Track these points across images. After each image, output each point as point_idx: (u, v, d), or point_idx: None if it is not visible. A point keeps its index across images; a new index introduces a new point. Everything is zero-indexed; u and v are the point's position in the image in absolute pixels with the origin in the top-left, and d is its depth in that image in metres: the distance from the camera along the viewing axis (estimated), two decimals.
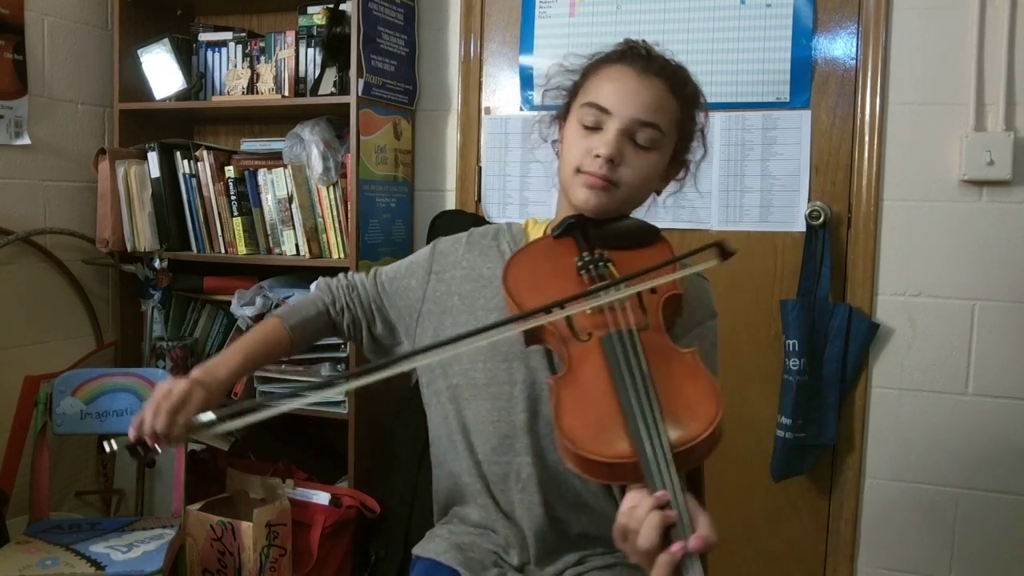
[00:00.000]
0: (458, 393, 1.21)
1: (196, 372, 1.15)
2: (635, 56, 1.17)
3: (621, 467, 0.91)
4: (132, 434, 1.11)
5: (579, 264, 1.12)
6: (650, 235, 1.19)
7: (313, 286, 1.35)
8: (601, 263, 1.12)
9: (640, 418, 0.91)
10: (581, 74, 1.21)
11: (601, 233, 1.16)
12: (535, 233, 1.27)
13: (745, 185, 2.18)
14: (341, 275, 1.36)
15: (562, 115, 1.23)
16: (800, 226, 2.12)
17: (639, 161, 1.14)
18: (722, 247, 1.07)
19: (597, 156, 1.12)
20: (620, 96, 1.13)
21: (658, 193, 1.24)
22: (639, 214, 1.23)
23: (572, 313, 1.04)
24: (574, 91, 1.21)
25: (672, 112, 1.16)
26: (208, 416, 1.09)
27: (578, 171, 1.15)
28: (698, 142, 1.24)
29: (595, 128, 1.14)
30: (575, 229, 1.17)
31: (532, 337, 1.10)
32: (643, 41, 1.21)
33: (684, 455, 0.90)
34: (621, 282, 1.06)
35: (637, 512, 0.85)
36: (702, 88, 1.22)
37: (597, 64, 1.19)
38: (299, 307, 1.30)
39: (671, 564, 0.82)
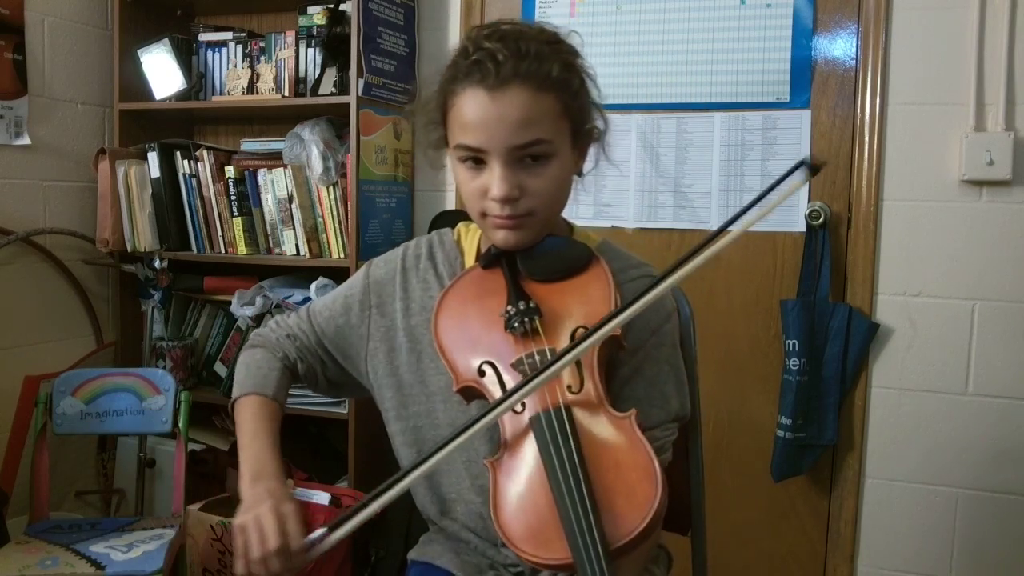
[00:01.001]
0: (420, 435, 1.16)
1: (258, 486, 1.02)
2: (483, 71, 1.00)
3: (559, 567, 0.89)
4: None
5: (506, 317, 1.03)
6: (581, 259, 1.08)
7: (245, 348, 1.22)
8: (527, 318, 1.02)
9: (574, 521, 0.86)
10: (439, 102, 1.08)
11: (529, 264, 1.08)
12: (470, 245, 1.20)
13: (745, 185, 2.18)
14: (272, 323, 1.24)
15: (442, 144, 1.11)
16: (800, 226, 2.12)
17: (540, 180, 1.03)
18: (811, 164, 0.97)
19: (493, 199, 1.02)
20: (485, 129, 1.00)
21: (579, 176, 1.14)
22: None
23: (511, 402, 0.96)
24: (440, 120, 1.09)
25: (549, 109, 1.02)
26: (318, 533, 0.97)
27: (484, 215, 1.06)
28: (596, 111, 1.12)
29: (478, 162, 1.03)
30: (501, 259, 1.09)
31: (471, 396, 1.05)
32: (490, 33, 1.04)
33: (622, 550, 0.88)
34: (554, 364, 0.95)
35: None
36: (569, 42, 1.08)
37: (450, 88, 1.05)
38: (263, 373, 1.17)
39: None
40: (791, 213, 2.14)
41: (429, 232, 1.30)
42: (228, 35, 2.54)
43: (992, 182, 1.98)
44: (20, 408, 2.18)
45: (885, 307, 2.08)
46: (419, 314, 1.16)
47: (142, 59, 2.46)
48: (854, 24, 2.08)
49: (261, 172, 2.35)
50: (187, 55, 2.54)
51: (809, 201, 2.11)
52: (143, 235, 2.41)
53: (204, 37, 2.56)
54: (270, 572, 0.95)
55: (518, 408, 0.98)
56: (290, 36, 2.41)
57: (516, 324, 1.03)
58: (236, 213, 2.36)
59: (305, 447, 2.45)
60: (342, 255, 2.27)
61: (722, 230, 1.00)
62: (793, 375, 2.04)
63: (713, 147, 2.19)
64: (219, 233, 2.40)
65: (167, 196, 2.42)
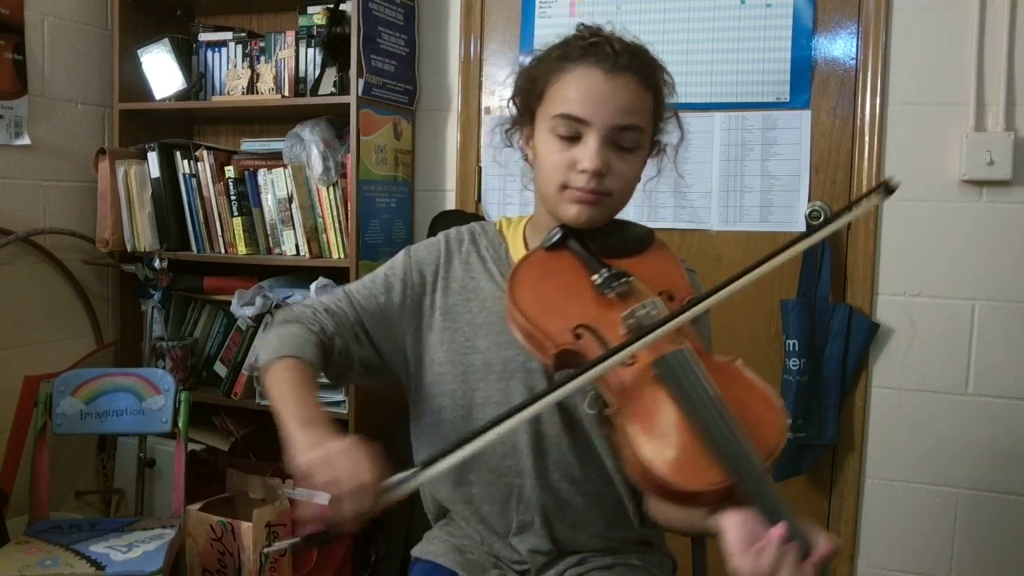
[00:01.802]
0: (458, 407, 1.17)
1: (315, 430, 0.98)
2: (600, 54, 1.08)
3: (714, 494, 0.90)
4: (313, 527, 0.93)
5: (598, 282, 1.07)
6: (645, 238, 1.16)
7: (276, 324, 1.17)
8: (623, 278, 1.06)
9: (728, 443, 0.89)
10: (541, 76, 1.12)
11: (598, 243, 1.12)
12: (514, 236, 1.22)
13: (745, 185, 2.18)
14: (304, 303, 1.21)
15: (526, 121, 1.16)
16: (800, 226, 2.12)
17: (624, 166, 1.09)
18: (887, 185, 1.05)
19: (583, 171, 1.07)
20: (594, 103, 1.06)
21: (638, 180, 1.19)
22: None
23: (635, 350, 0.97)
24: (537, 94, 1.12)
25: (648, 106, 1.11)
26: (406, 473, 0.93)
27: (564, 187, 1.09)
28: (673, 124, 1.19)
29: (572, 138, 1.08)
30: (568, 240, 1.12)
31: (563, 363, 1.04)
32: (600, 29, 1.12)
33: (772, 467, 0.92)
34: (672, 319, 0.99)
35: (767, 555, 0.84)
36: (664, 65, 1.15)
37: (558, 64, 1.10)
38: (300, 341, 1.11)
39: (812, 571, 0.84)
40: (791, 213, 2.14)
41: (429, 232, 1.31)
42: (228, 35, 2.53)
43: (992, 182, 1.98)
44: (20, 408, 2.18)
45: (885, 307, 2.08)
46: (458, 293, 1.18)
47: (142, 59, 2.46)
48: (854, 24, 2.08)
49: (261, 172, 2.35)
50: (187, 55, 2.54)
51: (809, 201, 2.11)
52: (143, 235, 2.41)
53: (204, 37, 2.56)
54: (352, 511, 0.89)
55: (628, 360, 0.99)
56: (290, 36, 2.41)
57: (614, 284, 1.06)
58: (236, 213, 2.36)
59: None
60: (342, 255, 2.27)
61: (808, 235, 1.08)
62: (793, 375, 2.04)
63: (713, 147, 2.19)
64: (219, 233, 2.40)
65: (167, 196, 2.42)
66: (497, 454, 1.14)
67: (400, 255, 1.22)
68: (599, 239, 1.12)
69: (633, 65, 1.08)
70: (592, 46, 1.08)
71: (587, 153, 1.06)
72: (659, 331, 0.97)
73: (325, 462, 0.91)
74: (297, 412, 1.01)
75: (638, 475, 0.93)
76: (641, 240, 1.15)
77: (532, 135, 1.15)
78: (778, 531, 0.85)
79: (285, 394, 1.04)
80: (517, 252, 1.20)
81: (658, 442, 0.93)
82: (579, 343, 1.03)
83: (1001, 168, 1.95)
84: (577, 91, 1.07)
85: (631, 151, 1.10)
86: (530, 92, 1.13)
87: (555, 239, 1.12)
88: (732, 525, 0.88)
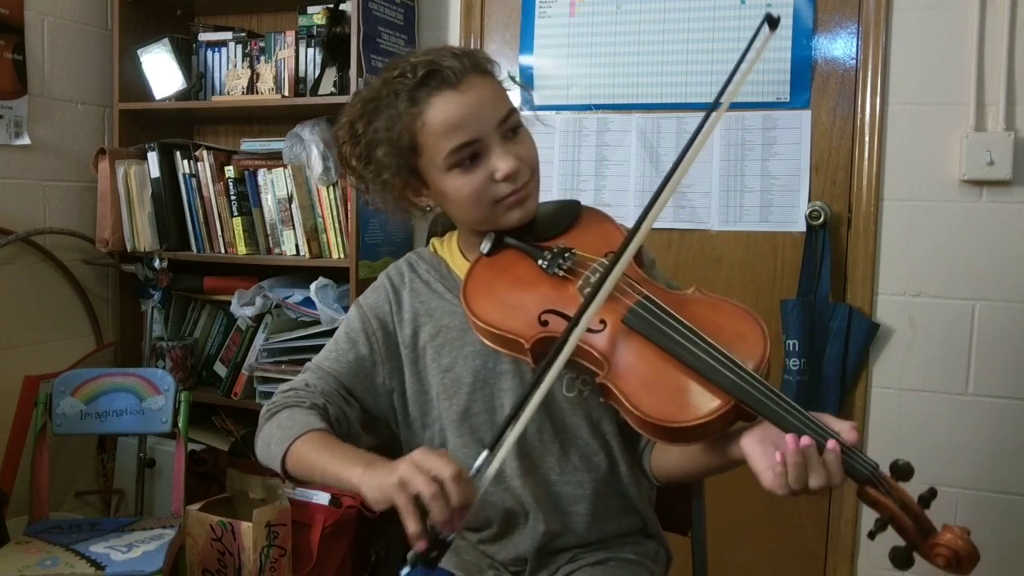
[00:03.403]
0: (440, 428, 1.18)
1: (379, 463, 0.95)
2: (439, 78, 1.06)
3: (720, 419, 0.92)
4: (422, 542, 0.87)
5: (544, 264, 1.09)
6: (572, 209, 1.18)
7: (268, 412, 1.14)
8: (567, 254, 1.09)
9: (719, 365, 0.92)
10: (401, 132, 1.08)
11: (531, 232, 1.13)
12: (450, 252, 1.23)
13: (745, 185, 2.18)
14: (277, 395, 1.16)
15: (409, 179, 1.13)
16: (800, 226, 2.12)
17: (523, 147, 1.11)
18: (769, 17, 1.10)
19: (503, 178, 1.07)
20: (471, 119, 1.06)
21: None
22: None
23: (597, 307, 0.99)
24: (409, 149, 1.09)
25: (499, 87, 1.12)
26: (481, 457, 0.93)
27: (495, 202, 1.10)
28: (508, 84, 1.18)
29: (472, 161, 1.08)
30: (504, 239, 1.14)
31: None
32: (406, 58, 1.10)
33: (767, 375, 0.94)
34: (614, 266, 1.01)
35: (789, 469, 0.88)
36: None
37: (412, 111, 1.07)
38: (301, 420, 1.08)
39: (837, 461, 0.90)
40: (791, 213, 2.14)
41: (430, 231, 1.32)
42: (228, 35, 2.54)
43: (992, 182, 1.97)
44: (20, 408, 2.18)
45: (885, 307, 2.08)
46: (413, 322, 1.18)
47: (142, 59, 2.46)
48: (854, 24, 2.08)
49: (261, 172, 2.35)
50: (187, 55, 2.54)
51: (809, 201, 2.11)
52: (143, 235, 2.41)
53: (204, 37, 2.56)
54: (451, 507, 0.87)
55: (597, 327, 1.01)
56: (290, 36, 2.41)
57: (560, 262, 1.08)
58: (236, 213, 2.36)
59: None
60: (342, 255, 2.27)
61: (711, 110, 1.10)
62: (793, 375, 2.04)
63: (713, 147, 2.19)
64: (219, 233, 2.40)
65: (167, 196, 2.42)
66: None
67: (351, 310, 1.22)
68: (530, 228, 1.14)
69: (466, 66, 1.08)
70: (427, 76, 1.06)
71: (496, 162, 1.07)
72: (611, 276, 0.99)
73: (413, 470, 0.88)
74: (352, 461, 0.98)
75: (645, 427, 0.95)
76: (569, 212, 1.17)
77: (425, 185, 1.14)
78: (791, 443, 0.87)
79: (326, 458, 1.01)
80: (457, 265, 1.21)
81: (652, 390, 0.95)
82: (548, 328, 1.04)
83: (1001, 168, 1.95)
84: (450, 120, 1.06)
85: (517, 130, 1.11)
86: (399, 153, 1.10)
87: (491, 242, 1.14)
88: (750, 446, 0.93)
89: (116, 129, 2.50)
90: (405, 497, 0.87)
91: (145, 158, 2.43)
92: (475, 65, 1.09)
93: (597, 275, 1.04)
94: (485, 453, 0.93)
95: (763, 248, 2.17)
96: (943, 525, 0.90)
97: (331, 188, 2.26)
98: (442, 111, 1.06)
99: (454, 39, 2.39)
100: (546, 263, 1.09)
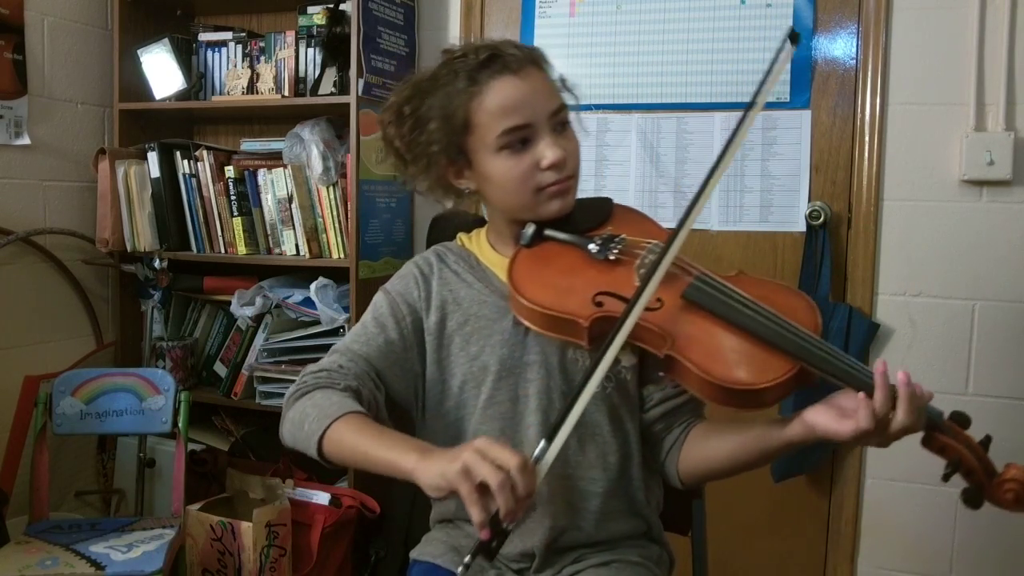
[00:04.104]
0: (460, 416, 1.19)
1: (435, 451, 0.94)
2: (500, 63, 1.11)
3: (790, 381, 0.98)
4: (486, 531, 0.88)
5: (595, 250, 1.12)
6: (607, 204, 1.22)
7: (297, 392, 1.12)
8: (616, 238, 1.13)
9: (783, 330, 0.99)
10: (455, 109, 1.12)
11: (571, 223, 1.16)
12: (479, 246, 1.25)
13: (745, 185, 2.18)
14: (307, 375, 1.14)
15: (456, 158, 1.15)
16: (800, 226, 2.12)
17: (569, 142, 1.15)
18: (791, 32, 1.14)
19: (549, 167, 1.11)
20: (526, 105, 1.11)
21: None
22: None
23: (655, 286, 1.02)
24: (461, 127, 1.12)
25: (554, 83, 1.17)
26: (541, 445, 0.93)
27: (538, 190, 1.13)
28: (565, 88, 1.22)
29: (522, 146, 1.11)
30: (544, 231, 1.16)
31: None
32: (464, 45, 1.16)
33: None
34: (671, 244, 1.05)
35: (878, 407, 0.94)
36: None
37: (469, 91, 1.11)
38: (336, 400, 1.07)
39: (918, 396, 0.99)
40: (791, 213, 2.14)
41: (430, 231, 1.34)
42: (228, 35, 2.53)
43: (992, 182, 1.98)
44: (20, 408, 2.18)
45: (885, 307, 2.08)
46: (441, 309, 1.19)
47: (142, 59, 2.46)
48: (854, 24, 2.08)
49: (261, 172, 2.35)
50: (187, 55, 2.54)
51: (809, 201, 2.11)
52: (143, 235, 2.41)
53: (204, 37, 2.56)
54: (518, 497, 0.86)
55: (654, 305, 1.05)
56: (290, 36, 2.41)
57: (611, 246, 1.12)
58: (236, 213, 2.36)
59: None
60: (342, 255, 2.27)
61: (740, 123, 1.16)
62: None
63: (713, 147, 2.19)
64: (219, 233, 2.40)
65: (167, 196, 2.41)
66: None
67: (379, 297, 1.22)
68: (568, 220, 1.16)
69: (522, 58, 1.13)
70: (490, 60, 1.12)
71: (544, 150, 1.11)
72: (669, 253, 1.03)
73: (478, 458, 0.87)
74: (405, 446, 0.97)
75: (716, 393, 0.99)
76: (604, 207, 1.21)
77: (469, 166, 1.16)
78: (879, 370, 0.94)
79: (373, 442, 1.00)
80: (487, 258, 1.23)
81: (721, 357, 1.00)
82: (604, 309, 1.06)
83: (1001, 168, 1.95)
84: (506, 103, 1.11)
85: (568, 127, 1.16)
86: (450, 129, 1.13)
87: (531, 234, 1.16)
88: (815, 415, 0.98)
89: (116, 129, 2.50)
90: (470, 485, 0.86)
91: (145, 158, 2.43)
92: (534, 59, 1.15)
93: (653, 256, 1.08)
94: (543, 442, 0.94)
95: (763, 248, 2.17)
96: (1005, 464, 0.98)
97: (331, 188, 2.26)
98: (500, 93, 1.11)
99: (454, 39, 2.39)
100: (596, 247, 1.12)
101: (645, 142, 2.26)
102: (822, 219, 2.06)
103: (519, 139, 1.11)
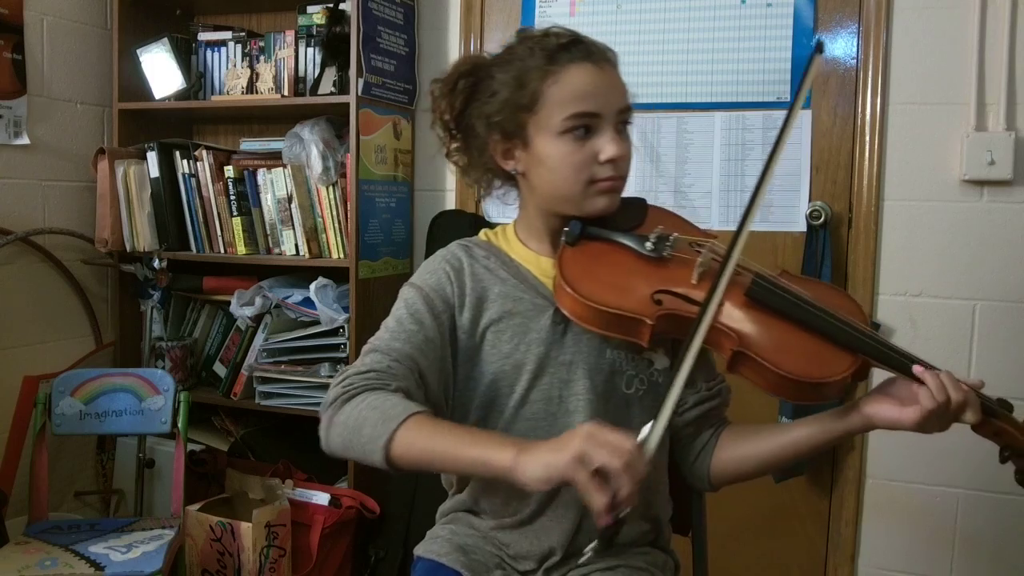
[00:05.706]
0: (486, 414, 1.16)
1: (534, 445, 0.91)
2: (583, 51, 1.12)
3: (854, 374, 1.03)
4: (608, 518, 0.87)
5: (650, 247, 1.12)
6: (643, 204, 1.22)
7: (346, 394, 1.04)
8: (669, 237, 1.14)
9: (842, 326, 1.04)
10: (527, 85, 1.11)
11: (613, 223, 1.16)
12: (507, 241, 1.23)
13: (745, 185, 2.18)
14: (349, 376, 1.07)
15: (514, 135, 1.13)
16: (801, 226, 2.12)
17: (628, 146, 1.15)
18: (818, 43, 1.25)
19: (607, 161, 1.10)
20: (600, 96, 1.10)
21: None
22: None
23: (725, 284, 1.06)
24: (527, 104, 1.11)
25: (626, 85, 1.17)
26: (646, 428, 0.95)
27: (591, 182, 1.11)
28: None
29: (587, 131, 1.10)
30: (588, 229, 1.15)
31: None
32: (560, 28, 1.15)
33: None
34: (734, 246, 1.09)
35: (935, 391, 0.99)
36: None
37: (545, 70, 1.10)
38: (394, 402, 1.01)
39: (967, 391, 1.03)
40: (791, 213, 2.14)
41: (430, 230, 1.32)
42: (227, 34, 2.53)
43: (993, 182, 1.97)
44: (19, 408, 2.17)
45: (886, 307, 2.08)
46: (473, 308, 1.16)
47: (141, 59, 2.46)
48: (854, 24, 2.08)
49: (260, 172, 2.35)
50: (186, 54, 2.54)
51: (810, 201, 2.11)
52: (142, 235, 2.41)
53: (203, 36, 2.56)
54: (637, 475, 0.86)
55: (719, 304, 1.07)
56: (289, 35, 2.41)
57: (666, 244, 1.14)
58: (235, 213, 2.36)
59: (305, 447, 2.45)
60: (342, 255, 2.26)
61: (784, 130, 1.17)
62: None
63: (713, 147, 2.19)
64: (218, 233, 2.39)
65: (166, 196, 2.41)
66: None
67: (408, 291, 1.17)
68: (612, 218, 1.16)
69: (605, 52, 1.14)
70: (571, 44, 1.12)
71: (605, 144, 1.10)
72: (736, 251, 1.07)
73: (593, 444, 0.86)
74: (497, 443, 0.95)
75: (786, 386, 1.02)
76: (641, 207, 1.22)
77: (523, 146, 1.14)
78: (919, 370, 1.01)
79: (456, 441, 0.97)
80: (517, 253, 1.21)
81: (789, 353, 1.03)
82: (664, 307, 1.07)
83: (1002, 168, 1.94)
84: (581, 88, 1.10)
85: (625, 130, 1.15)
86: (514, 105, 1.11)
87: (577, 232, 1.14)
88: (874, 406, 1.04)
89: (115, 129, 2.49)
90: (586, 472, 0.85)
91: (144, 158, 2.43)
92: (611, 56, 1.15)
93: (713, 254, 1.12)
94: (650, 424, 0.95)
95: (763, 248, 2.17)
96: None
97: (331, 188, 2.25)
98: (576, 77, 1.10)
99: (454, 39, 2.39)
100: (652, 245, 1.13)
101: (645, 142, 2.25)
102: (823, 219, 2.06)
103: (584, 126, 1.10)
